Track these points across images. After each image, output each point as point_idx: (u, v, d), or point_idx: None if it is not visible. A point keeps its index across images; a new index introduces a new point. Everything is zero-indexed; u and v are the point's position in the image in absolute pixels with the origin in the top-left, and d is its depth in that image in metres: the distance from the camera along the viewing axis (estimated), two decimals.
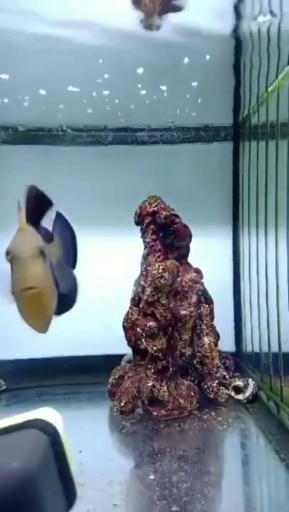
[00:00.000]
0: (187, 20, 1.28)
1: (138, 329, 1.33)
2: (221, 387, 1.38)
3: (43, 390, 1.53)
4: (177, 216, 1.42)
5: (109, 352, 1.56)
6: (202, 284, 1.42)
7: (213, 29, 1.33)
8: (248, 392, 1.37)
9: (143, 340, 1.30)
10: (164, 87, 1.65)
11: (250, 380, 1.41)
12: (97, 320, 1.63)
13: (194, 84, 1.65)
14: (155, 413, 1.27)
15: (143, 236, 1.45)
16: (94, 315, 1.64)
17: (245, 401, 1.37)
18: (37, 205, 0.94)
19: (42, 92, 1.65)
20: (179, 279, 1.36)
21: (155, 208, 1.41)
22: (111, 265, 1.67)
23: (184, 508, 0.83)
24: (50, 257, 0.92)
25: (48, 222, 1.01)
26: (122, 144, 1.74)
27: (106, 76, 1.61)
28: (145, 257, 1.42)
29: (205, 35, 1.36)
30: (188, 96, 1.70)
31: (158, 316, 1.30)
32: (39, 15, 1.35)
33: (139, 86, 1.66)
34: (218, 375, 1.38)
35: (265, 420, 1.24)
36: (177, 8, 1.20)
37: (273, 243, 1.27)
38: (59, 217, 1.09)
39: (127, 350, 1.42)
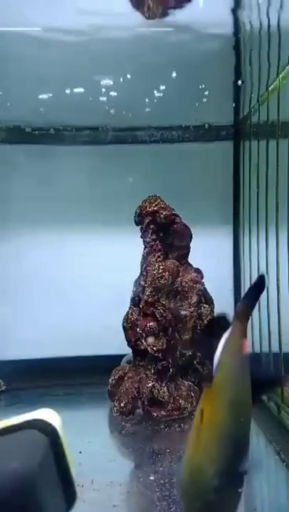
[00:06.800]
0: (187, 17, 1.27)
1: (138, 329, 1.32)
2: None
3: (43, 391, 1.53)
4: (177, 216, 1.41)
5: (109, 352, 1.55)
6: (202, 284, 1.41)
7: (213, 27, 1.33)
8: None
9: (143, 340, 1.30)
10: (164, 86, 1.64)
11: None
12: (97, 320, 1.62)
13: (195, 82, 1.65)
14: (155, 414, 1.26)
15: (143, 236, 1.44)
16: (94, 315, 1.64)
17: None
18: None
19: (42, 91, 1.64)
20: (179, 279, 1.36)
21: (155, 208, 1.40)
22: (110, 265, 1.67)
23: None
24: None
25: None
26: (122, 144, 1.73)
27: (106, 75, 1.60)
28: (145, 257, 1.42)
29: (205, 34, 1.36)
30: (188, 94, 1.69)
31: (158, 316, 1.29)
32: (39, 14, 1.35)
33: (139, 85, 1.65)
34: None
35: (266, 421, 1.24)
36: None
37: (274, 243, 1.27)
38: None
39: (126, 350, 1.41)
